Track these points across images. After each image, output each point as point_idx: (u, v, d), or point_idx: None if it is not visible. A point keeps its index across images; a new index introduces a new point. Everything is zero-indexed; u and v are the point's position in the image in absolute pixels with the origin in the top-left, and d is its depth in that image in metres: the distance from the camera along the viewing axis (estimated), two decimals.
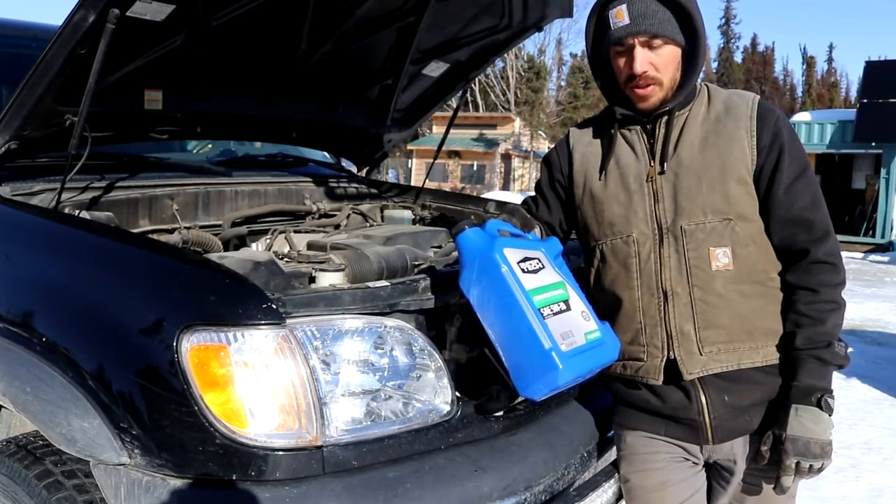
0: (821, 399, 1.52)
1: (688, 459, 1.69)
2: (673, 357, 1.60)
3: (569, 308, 1.57)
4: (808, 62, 61.21)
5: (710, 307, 1.58)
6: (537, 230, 1.78)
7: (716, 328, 1.58)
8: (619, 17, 1.55)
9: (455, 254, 2.31)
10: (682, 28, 1.57)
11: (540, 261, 1.59)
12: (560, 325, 1.52)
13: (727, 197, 1.57)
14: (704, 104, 1.64)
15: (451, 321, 1.75)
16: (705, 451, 1.66)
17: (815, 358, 1.54)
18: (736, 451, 1.64)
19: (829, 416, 1.52)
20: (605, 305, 1.68)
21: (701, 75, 1.67)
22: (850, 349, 1.58)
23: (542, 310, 1.51)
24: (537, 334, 1.48)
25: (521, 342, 1.50)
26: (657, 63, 1.57)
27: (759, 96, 1.65)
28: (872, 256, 14.92)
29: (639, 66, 1.56)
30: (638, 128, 1.67)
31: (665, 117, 1.62)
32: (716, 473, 1.71)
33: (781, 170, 1.56)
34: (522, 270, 1.54)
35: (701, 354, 1.58)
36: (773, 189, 1.58)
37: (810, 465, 1.51)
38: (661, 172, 1.61)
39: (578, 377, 1.53)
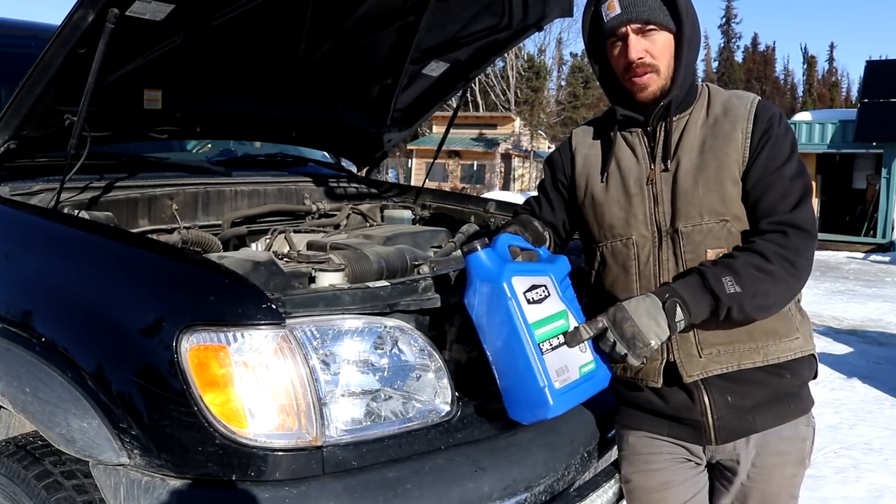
0: (668, 300, 1.48)
1: (690, 460, 1.69)
2: (672, 360, 1.60)
3: None
4: (809, 62, 61.18)
5: None
6: (547, 241, 1.77)
7: (714, 330, 1.57)
8: (611, 8, 1.58)
9: (456, 253, 2.31)
10: (673, 16, 1.58)
11: (546, 288, 1.59)
12: (557, 360, 1.52)
13: (723, 198, 1.57)
14: (704, 107, 1.65)
15: (451, 321, 1.75)
16: (708, 451, 1.66)
17: (699, 273, 1.51)
18: (739, 451, 1.63)
19: (666, 323, 1.46)
20: (605, 307, 1.67)
21: (702, 75, 1.67)
22: (736, 289, 1.47)
23: (541, 344, 1.51)
24: (533, 370, 1.48)
25: (517, 373, 1.51)
26: (652, 50, 1.58)
27: (759, 97, 1.64)
28: (873, 256, 14.92)
29: (633, 53, 1.57)
30: (639, 130, 1.67)
31: (664, 122, 1.62)
32: (718, 474, 1.70)
33: (759, 158, 1.55)
34: (528, 301, 1.53)
35: (700, 356, 1.58)
36: (746, 181, 1.56)
37: (613, 343, 1.48)
38: (665, 171, 1.61)
39: (568, 409, 1.55)
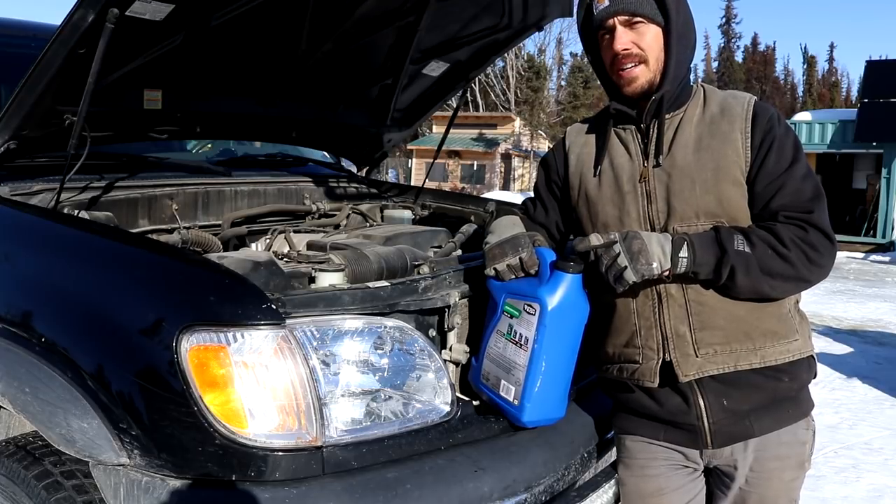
0: (678, 237, 1.51)
1: (686, 466, 1.68)
2: (668, 359, 1.59)
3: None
4: (809, 62, 61.11)
5: (705, 308, 1.57)
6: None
7: (711, 329, 1.57)
8: (600, 1, 1.60)
9: (455, 252, 2.31)
10: (662, 11, 1.59)
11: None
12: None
13: (720, 199, 1.57)
14: (700, 105, 1.64)
15: (451, 321, 1.75)
16: (705, 456, 1.65)
17: (714, 229, 1.54)
18: (736, 456, 1.62)
19: (670, 253, 1.49)
20: (600, 307, 1.67)
21: (702, 75, 1.67)
22: (746, 250, 1.50)
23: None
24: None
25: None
26: (640, 42, 1.58)
27: (755, 97, 1.64)
28: (873, 256, 14.92)
29: (618, 44, 1.58)
30: (633, 128, 1.67)
31: (657, 119, 1.62)
32: (716, 479, 1.70)
33: (767, 162, 1.55)
34: None
35: (697, 356, 1.57)
36: (754, 185, 1.56)
37: (617, 254, 1.48)
38: (657, 166, 1.61)
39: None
